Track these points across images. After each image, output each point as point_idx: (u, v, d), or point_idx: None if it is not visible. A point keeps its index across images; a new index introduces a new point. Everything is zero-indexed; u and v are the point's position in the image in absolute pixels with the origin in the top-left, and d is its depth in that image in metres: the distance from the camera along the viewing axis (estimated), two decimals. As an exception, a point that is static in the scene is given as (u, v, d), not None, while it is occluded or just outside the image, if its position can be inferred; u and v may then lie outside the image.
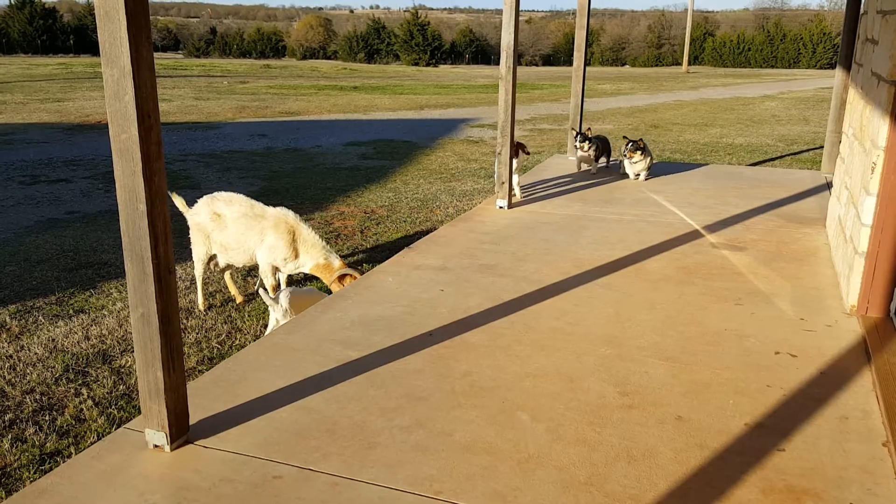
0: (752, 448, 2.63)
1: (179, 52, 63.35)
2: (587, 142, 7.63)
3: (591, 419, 2.81)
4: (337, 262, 4.88)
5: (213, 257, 5.09)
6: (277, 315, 4.20)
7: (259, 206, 4.98)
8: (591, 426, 2.77)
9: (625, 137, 7.50)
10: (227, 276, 5.34)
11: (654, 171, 7.99)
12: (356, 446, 2.63)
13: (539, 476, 2.46)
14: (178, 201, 5.04)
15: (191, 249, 5.16)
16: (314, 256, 4.87)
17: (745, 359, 3.34)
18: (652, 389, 3.05)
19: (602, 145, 7.86)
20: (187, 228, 5.16)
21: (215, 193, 5.08)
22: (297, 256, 4.90)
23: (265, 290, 4.95)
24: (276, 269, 4.98)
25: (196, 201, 5.16)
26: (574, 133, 7.87)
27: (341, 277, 4.79)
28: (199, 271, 5.10)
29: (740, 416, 2.83)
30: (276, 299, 4.23)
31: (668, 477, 2.46)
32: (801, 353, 3.40)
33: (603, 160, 8.01)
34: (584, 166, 7.87)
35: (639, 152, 7.24)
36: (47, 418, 3.64)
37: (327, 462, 2.53)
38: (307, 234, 4.89)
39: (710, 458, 2.57)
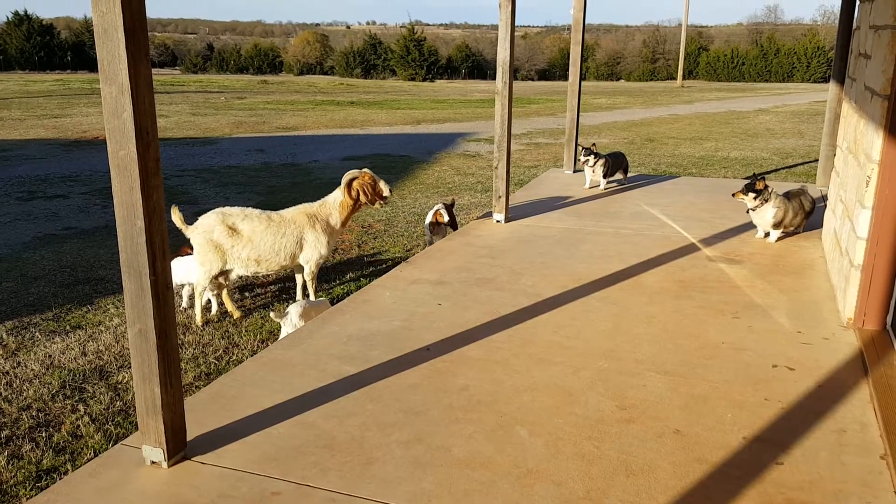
0: (751, 462, 2.62)
1: (177, 68, 63.58)
2: (592, 156, 7.38)
3: (590, 433, 2.81)
4: (339, 196, 5.25)
5: (224, 273, 5.13)
6: (288, 329, 4.21)
7: (273, 213, 5.20)
8: (590, 440, 2.76)
9: (754, 176, 5.51)
10: (224, 292, 5.34)
11: (649, 185, 8.00)
12: (354, 462, 2.62)
13: (537, 491, 2.45)
14: (177, 217, 5.00)
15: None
16: (336, 214, 5.26)
17: (743, 372, 3.34)
18: (650, 403, 3.05)
19: (614, 161, 7.63)
20: (186, 244, 5.16)
21: (223, 209, 5.10)
22: (331, 231, 5.27)
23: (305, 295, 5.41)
24: (320, 265, 5.31)
25: (195, 217, 5.16)
26: (581, 149, 7.56)
27: (354, 205, 5.27)
28: (201, 287, 5.09)
29: (739, 430, 2.83)
30: (285, 313, 4.31)
31: (666, 491, 2.45)
32: (799, 366, 3.41)
33: (620, 175, 7.82)
34: (594, 181, 7.66)
35: (752, 195, 5.39)
36: (44, 435, 3.62)
37: (325, 478, 2.52)
38: (323, 206, 5.25)
39: (708, 472, 2.56)
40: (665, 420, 2.91)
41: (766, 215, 5.39)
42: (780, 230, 5.48)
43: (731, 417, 2.93)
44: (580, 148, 7.66)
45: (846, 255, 4.09)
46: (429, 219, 6.44)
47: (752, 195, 5.36)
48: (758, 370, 3.36)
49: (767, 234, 5.58)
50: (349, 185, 5.23)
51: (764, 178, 5.39)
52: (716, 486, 2.48)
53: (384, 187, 5.37)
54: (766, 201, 5.35)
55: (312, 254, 5.20)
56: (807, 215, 5.67)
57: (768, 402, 3.05)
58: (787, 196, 5.50)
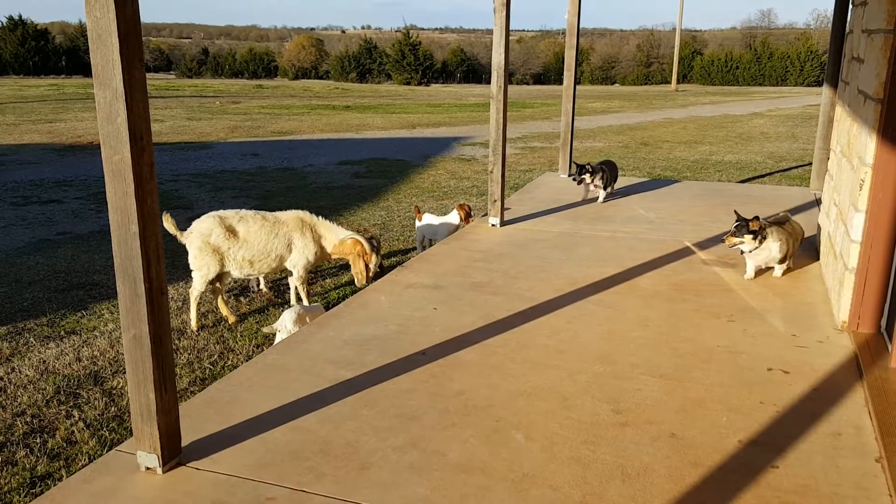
0: (746, 465, 2.63)
1: (172, 72, 63.42)
2: (589, 174, 7.00)
3: (585, 437, 2.81)
4: (346, 235, 5.29)
5: (219, 276, 5.13)
6: (283, 334, 4.21)
7: (270, 214, 5.22)
8: (585, 444, 2.76)
9: (739, 217, 4.73)
10: (219, 297, 5.32)
11: (644, 189, 8.01)
12: (350, 467, 2.61)
13: (533, 495, 2.45)
14: (169, 223, 4.92)
15: (190, 270, 5.15)
16: (331, 240, 5.27)
17: (738, 375, 3.34)
18: (646, 407, 3.05)
19: (610, 172, 7.20)
20: (180, 249, 5.15)
21: (219, 212, 5.10)
22: (321, 248, 5.28)
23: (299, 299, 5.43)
24: (308, 270, 5.31)
25: (189, 222, 5.16)
26: (576, 167, 7.15)
27: (347, 242, 5.30)
28: (198, 291, 5.08)
29: (734, 433, 2.84)
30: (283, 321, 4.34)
31: (662, 495, 2.45)
32: (794, 369, 3.42)
33: (609, 189, 7.29)
34: (592, 194, 7.27)
35: (750, 236, 4.65)
36: (38, 441, 3.61)
37: (321, 483, 2.52)
38: (320, 222, 5.29)
39: (704, 475, 2.57)
40: (660, 424, 2.91)
41: (771, 252, 4.70)
42: (787, 263, 4.83)
43: (726, 421, 2.93)
44: (575, 166, 7.25)
45: (840, 259, 4.10)
46: (447, 220, 6.57)
47: (750, 237, 4.64)
48: (753, 373, 3.36)
49: (761, 271, 4.89)
50: (362, 251, 5.26)
51: (758, 218, 4.68)
52: (711, 489, 2.49)
53: (373, 264, 5.37)
54: (766, 238, 4.67)
55: (300, 258, 5.22)
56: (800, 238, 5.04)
57: (763, 406, 3.05)
58: (780, 225, 4.83)
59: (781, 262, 4.79)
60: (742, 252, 4.76)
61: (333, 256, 5.43)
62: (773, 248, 4.68)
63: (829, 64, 7.45)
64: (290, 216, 5.23)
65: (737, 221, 4.70)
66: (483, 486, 2.50)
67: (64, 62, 52.33)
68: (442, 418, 2.96)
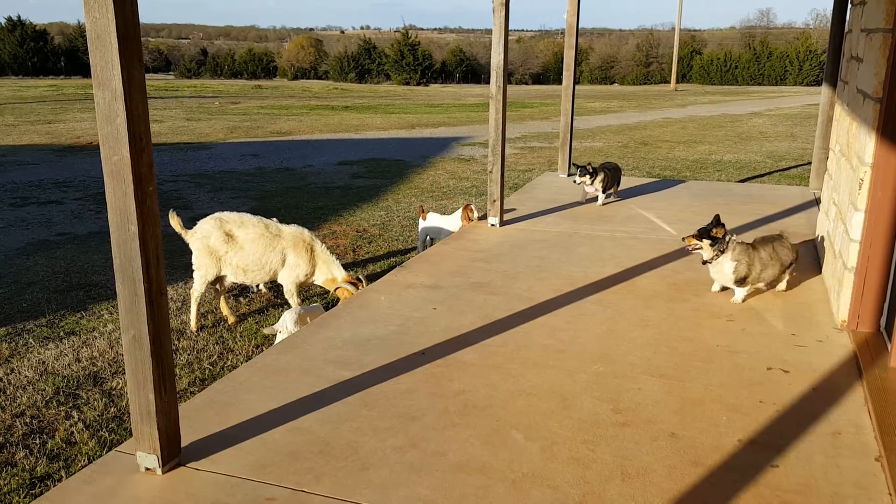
0: (746, 464, 2.63)
1: (170, 73, 63.37)
2: (588, 176, 6.75)
3: (585, 437, 2.81)
4: (340, 276, 5.19)
5: (219, 279, 5.13)
6: (283, 335, 4.21)
7: (273, 224, 5.16)
8: (585, 444, 2.76)
9: (717, 219, 4.30)
10: (221, 298, 5.32)
11: (643, 189, 8.01)
12: (350, 467, 2.61)
13: (533, 496, 2.45)
14: (175, 222, 5.00)
15: (191, 271, 5.15)
16: (324, 272, 5.21)
17: (737, 375, 3.34)
18: (645, 407, 3.05)
19: (612, 174, 6.95)
20: (180, 249, 5.15)
21: (221, 214, 5.10)
22: (313, 273, 5.22)
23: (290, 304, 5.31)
24: (299, 287, 5.25)
25: (192, 222, 5.16)
26: (576, 168, 6.91)
27: (337, 289, 5.18)
28: (198, 292, 5.08)
29: (734, 433, 2.84)
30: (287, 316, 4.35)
31: (662, 494, 2.45)
32: (794, 368, 3.42)
33: (612, 191, 7.09)
34: (591, 195, 7.04)
35: (708, 242, 4.26)
36: (38, 442, 3.60)
37: (320, 484, 2.51)
38: (321, 250, 5.22)
39: (704, 475, 2.57)
40: (660, 423, 2.91)
41: (723, 269, 4.25)
42: (748, 287, 4.30)
43: (725, 420, 2.93)
44: (575, 167, 7.01)
45: (839, 258, 4.11)
46: (449, 222, 6.51)
47: (707, 242, 4.20)
48: (752, 373, 3.36)
49: (725, 289, 4.42)
50: (340, 289, 5.18)
51: (724, 225, 4.26)
52: (711, 489, 2.49)
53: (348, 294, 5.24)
54: (723, 252, 4.22)
55: (289, 275, 5.17)
56: (785, 268, 4.41)
57: (763, 405, 3.05)
58: (755, 245, 4.34)
59: (738, 284, 4.25)
60: (703, 262, 4.37)
61: (320, 285, 5.35)
62: (726, 266, 4.22)
63: (828, 63, 7.45)
64: (291, 232, 5.14)
65: (708, 224, 4.30)
66: (483, 485, 2.50)
67: (63, 63, 52.28)
68: (441, 418, 2.96)
